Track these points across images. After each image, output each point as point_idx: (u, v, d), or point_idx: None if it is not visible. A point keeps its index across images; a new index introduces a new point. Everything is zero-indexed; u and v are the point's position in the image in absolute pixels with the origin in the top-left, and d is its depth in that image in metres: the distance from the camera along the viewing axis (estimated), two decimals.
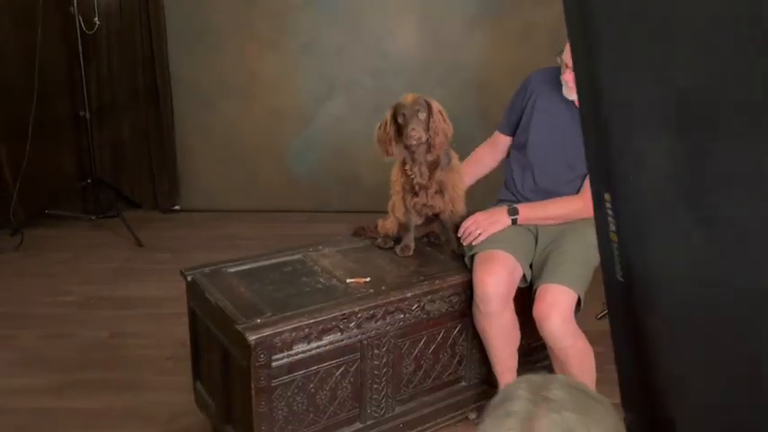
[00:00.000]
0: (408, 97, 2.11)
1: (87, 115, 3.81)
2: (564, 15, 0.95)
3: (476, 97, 4.17)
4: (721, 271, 0.87)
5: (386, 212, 2.32)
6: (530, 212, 2.21)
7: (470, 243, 2.16)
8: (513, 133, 2.39)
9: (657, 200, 0.92)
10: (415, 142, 2.08)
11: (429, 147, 2.12)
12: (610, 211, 0.97)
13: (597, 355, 2.09)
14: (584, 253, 2.05)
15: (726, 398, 0.92)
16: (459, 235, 2.22)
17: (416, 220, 2.25)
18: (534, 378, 0.87)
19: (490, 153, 2.49)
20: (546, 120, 2.24)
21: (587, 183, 2.10)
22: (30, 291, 3.19)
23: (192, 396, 2.20)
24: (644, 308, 0.95)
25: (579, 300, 2.02)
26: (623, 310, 1.00)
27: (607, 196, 0.97)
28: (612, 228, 0.97)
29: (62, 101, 3.91)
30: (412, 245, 2.25)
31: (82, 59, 3.74)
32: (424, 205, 2.20)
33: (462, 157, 2.36)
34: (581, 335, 2.03)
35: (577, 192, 2.22)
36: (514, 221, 2.20)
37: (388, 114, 2.13)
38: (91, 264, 3.52)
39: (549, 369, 2.14)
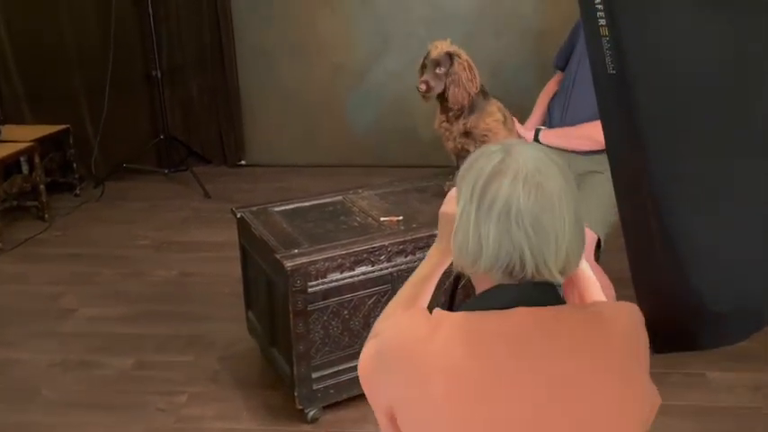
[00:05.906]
0: (434, 50, 2.22)
1: (158, 75, 4.10)
2: None
3: (533, 47, 4.15)
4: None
5: (443, 167, 2.50)
6: (552, 133, 2.33)
7: None
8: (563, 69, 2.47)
9: None
10: (420, 92, 2.20)
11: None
12: (599, 6, 1.00)
13: (624, 298, 2.16)
14: (608, 196, 2.10)
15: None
16: None
17: (452, 160, 2.35)
18: None
19: (555, 86, 2.59)
20: (587, 63, 2.29)
21: None
22: (110, 235, 3.53)
23: (246, 325, 2.44)
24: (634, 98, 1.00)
25: (600, 241, 2.10)
26: (612, 102, 1.07)
27: None
28: (602, 22, 1.01)
29: (135, 61, 4.21)
30: None
31: (152, 22, 4.00)
32: (460, 148, 2.30)
33: (525, 105, 2.46)
34: (600, 271, 2.11)
35: None
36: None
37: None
38: (164, 213, 3.84)
39: None
